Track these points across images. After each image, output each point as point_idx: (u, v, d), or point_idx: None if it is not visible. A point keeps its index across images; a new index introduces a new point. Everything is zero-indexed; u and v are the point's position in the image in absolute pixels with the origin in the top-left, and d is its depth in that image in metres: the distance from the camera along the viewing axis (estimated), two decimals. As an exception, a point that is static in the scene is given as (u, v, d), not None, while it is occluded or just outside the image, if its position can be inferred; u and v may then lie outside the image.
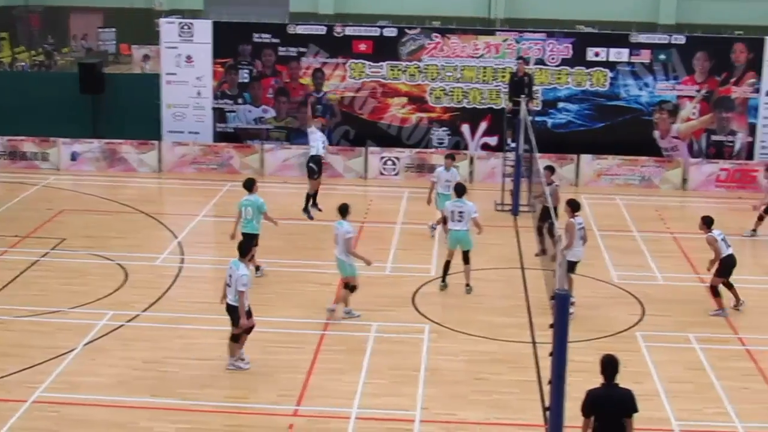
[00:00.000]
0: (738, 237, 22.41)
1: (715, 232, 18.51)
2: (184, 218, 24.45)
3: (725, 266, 18.54)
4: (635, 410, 11.40)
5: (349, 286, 18.04)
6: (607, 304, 19.30)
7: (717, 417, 14.78)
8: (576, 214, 18.40)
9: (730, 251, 18.54)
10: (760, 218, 23.58)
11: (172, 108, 30.01)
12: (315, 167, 23.86)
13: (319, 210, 23.71)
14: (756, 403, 15.26)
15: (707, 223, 18.63)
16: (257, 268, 19.78)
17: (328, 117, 29.67)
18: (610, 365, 11.45)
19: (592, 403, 11.40)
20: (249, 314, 15.71)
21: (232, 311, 15.61)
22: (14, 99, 29.98)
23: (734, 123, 29.59)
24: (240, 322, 15.54)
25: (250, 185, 20.05)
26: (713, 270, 18.68)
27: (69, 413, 14.39)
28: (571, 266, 17.94)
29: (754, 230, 23.69)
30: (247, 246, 16.16)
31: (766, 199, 23.53)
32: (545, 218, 20.72)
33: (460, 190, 19.82)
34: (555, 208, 19.65)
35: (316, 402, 14.94)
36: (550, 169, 22.07)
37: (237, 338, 15.80)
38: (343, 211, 18.15)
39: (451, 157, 23.42)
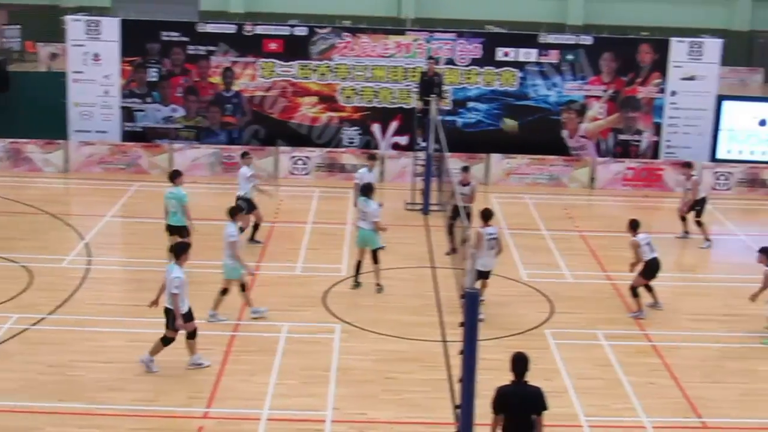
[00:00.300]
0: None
1: (640, 237, 18.56)
2: (91, 219, 24.05)
3: (649, 269, 18.61)
4: (544, 407, 11.48)
5: (223, 290, 17.89)
6: (517, 302, 19.46)
7: (624, 412, 15.00)
8: (489, 223, 18.33)
9: (654, 255, 18.58)
10: (683, 218, 23.67)
11: (78, 107, 29.52)
12: (243, 204, 21.46)
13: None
14: (662, 398, 15.51)
15: (633, 226, 18.64)
16: None
17: (239, 116, 29.53)
18: (520, 363, 11.51)
19: (502, 400, 11.45)
20: (190, 317, 15.61)
21: (168, 313, 15.49)
22: None
23: (640, 122, 30.09)
24: (176, 324, 15.41)
25: (173, 177, 19.81)
26: (636, 271, 18.75)
27: (-29, 419, 14.07)
28: (478, 274, 17.93)
29: (686, 232, 23.71)
30: (180, 248, 15.91)
31: (686, 198, 23.62)
32: (456, 216, 20.83)
33: (365, 190, 19.79)
34: (467, 207, 19.73)
35: (227, 404, 14.80)
36: (466, 170, 22.19)
37: (168, 341, 15.60)
38: (231, 213, 18.09)
39: (373, 158, 23.39)
